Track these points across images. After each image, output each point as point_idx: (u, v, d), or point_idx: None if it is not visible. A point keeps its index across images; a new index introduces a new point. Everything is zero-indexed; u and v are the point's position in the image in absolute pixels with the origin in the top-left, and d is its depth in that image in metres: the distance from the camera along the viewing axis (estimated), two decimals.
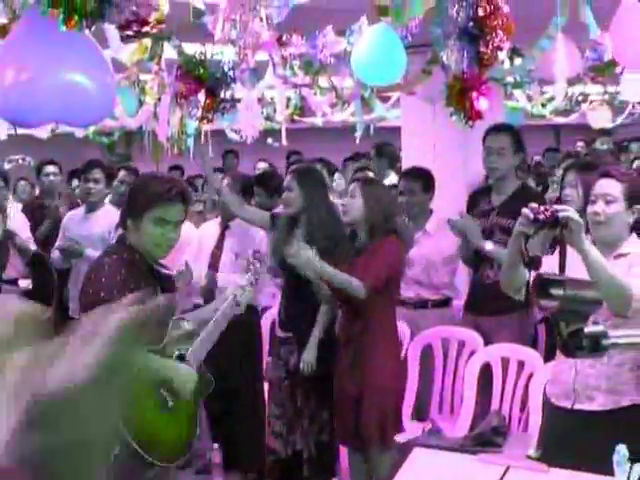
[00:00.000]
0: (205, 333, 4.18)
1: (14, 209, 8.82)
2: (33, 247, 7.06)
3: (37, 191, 8.97)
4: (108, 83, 3.74)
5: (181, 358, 4.05)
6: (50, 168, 8.84)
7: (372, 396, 5.16)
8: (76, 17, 3.27)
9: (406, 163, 7.96)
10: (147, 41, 4.89)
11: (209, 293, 6.25)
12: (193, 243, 6.71)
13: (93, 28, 3.47)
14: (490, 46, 5.21)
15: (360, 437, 5.21)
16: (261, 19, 4.08)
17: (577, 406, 3.86)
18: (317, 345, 5.53)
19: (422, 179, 6.34)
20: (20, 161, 9.23)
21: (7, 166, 9.11)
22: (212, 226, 6.80)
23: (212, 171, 7.32)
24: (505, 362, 5.38)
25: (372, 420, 5.17)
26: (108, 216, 6.66)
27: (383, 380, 5.19)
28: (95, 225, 6.84)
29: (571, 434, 3.86)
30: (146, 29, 3.66)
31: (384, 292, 5.20)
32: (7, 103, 3.67)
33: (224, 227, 6.61)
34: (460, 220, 5.76)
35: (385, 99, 9.27)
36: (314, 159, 8.73)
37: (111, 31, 4.89)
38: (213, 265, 6.52)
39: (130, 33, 3.73)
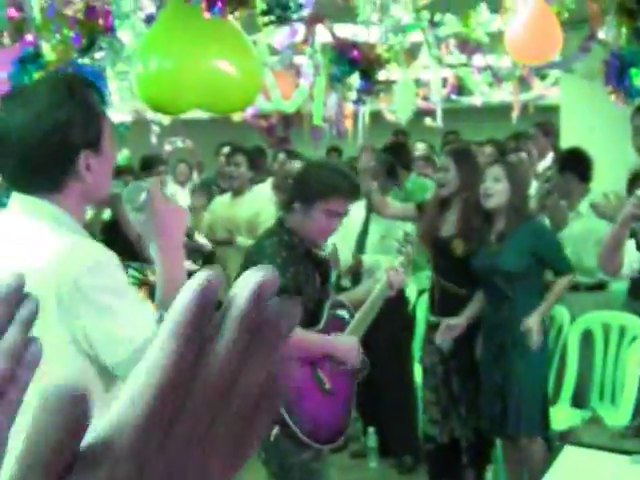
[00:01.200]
0: (361, 314, 4.20)
1: (175, 191, 9.07)
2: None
3: (195, 174, 9.12)
4: (253, 69, 3.76)
5: None
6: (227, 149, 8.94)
7: (519, 385, 5.06)
8: (219, 4, 3.31)
9: (565, 142, 7.80)
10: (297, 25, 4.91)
11: (355, 275, 6.27)
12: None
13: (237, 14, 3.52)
14: None
15: (508, 427, 5.13)
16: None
17: None
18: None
19: (578, 160, 6.20)
20: (180, 143, 9.39)
21: (168, 147, 9.27)
22: (358, 209, 6.80)
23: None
24: None
25: (522, 410, 5.07)
26: (254, 200, 6.74)
27: (532, 368, 5.10)
28: (241, 209, 6.90)
29: None
30: (287, 14, 3.68)
31: (533, 274, 5.12)
32: (152, 91, 3.73)
33: (369, 209, 6.61)
34: (601, 203, 5.61)
35: (544, 77, 9.11)
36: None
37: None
38: (359, 248, 6.54)
39: (272, 18, 3.76)
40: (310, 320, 3.99)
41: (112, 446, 0.54)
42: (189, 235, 6.73)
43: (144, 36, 4.13)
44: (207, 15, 3.46)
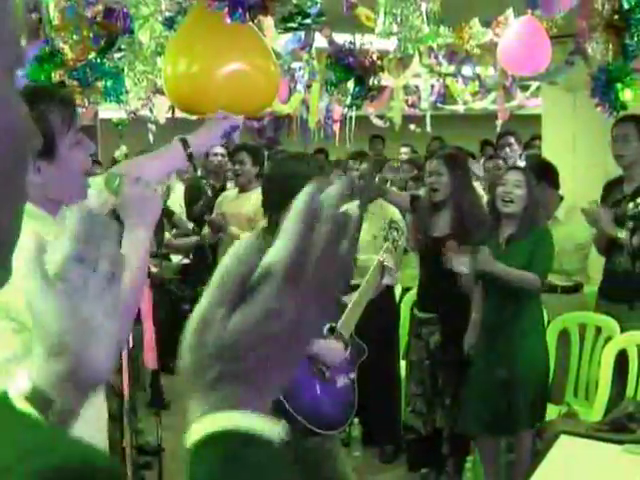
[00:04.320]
0: (353, 302, 4.33)
1: (176, 188, 9.25)
2: (190, 225, 7.38)
3: (199, 171, 9.29)
4: (272, 72, 3.95)
5: (332, 330, 4.23)
6: (218, 149, 9.07)
7: (525, 380, 5.19)
8: (240, 10, 3.50)
9: (546, 151, 8.05)
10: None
11: None
12: None
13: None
14: (635, 38, 5.26)
15: (510, 421, 5.23)
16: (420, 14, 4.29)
17: None
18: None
19: (549, 169, 6.43)
20: None
21: None
22: (352, 207, 6.98)
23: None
24: None
25: (524, 404, 5.19)
26: (258, 197, 6.93)
27: (535, 364, 5.27)
28: (244, 204, 6.98)
29: None
30: (307, 21, 3.87)
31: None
32: (179, 93, 3.93)
33: (363, 209, 6.81)
34: (592, 209, 5.81)
35: (525, 87, 9.37)
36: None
37: (267, 21, 5.14)
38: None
39: (293, 25, 3.94)
40: None
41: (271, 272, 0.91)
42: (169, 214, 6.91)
43: (170, 40, 4.30)
44: (228, 20, 3.67)
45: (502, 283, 5.16)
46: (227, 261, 0.93)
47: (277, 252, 0.91)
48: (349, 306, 4.33)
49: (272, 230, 4.20)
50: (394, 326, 6.81)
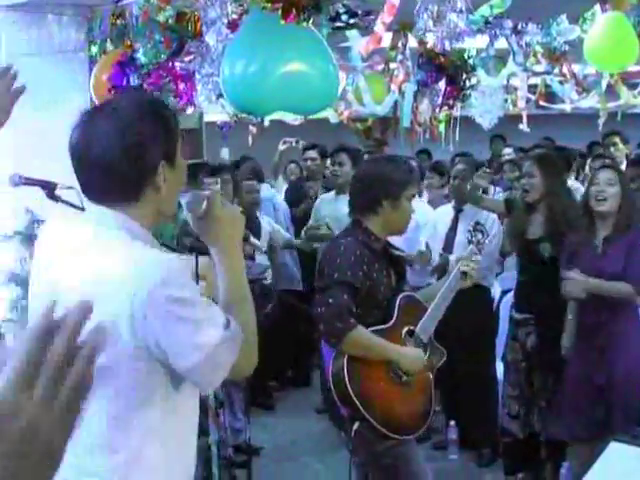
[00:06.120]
0: (433, 306, 4.33)
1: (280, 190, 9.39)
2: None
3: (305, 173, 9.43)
4: (330, 72, 3.98)
5: (410, 333, 4.25)
6: (311, 153, 9.24)
7: (623, 384, 5.07)
8: (294, 10, 3.55)
9: None
10: (382, 31, 5.13)
11: (443, 273, 6.41)
12: (429, 225, 6.96)
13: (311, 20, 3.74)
14: None
15: (605, 427, 5.06)
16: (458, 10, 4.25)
17: None
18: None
19: None
20: (294, 144, 9.59)
21: (282, 147, 9.51)
22: (447, 209, 6.99)
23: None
24: None
25: (620, 409, 5.07)
26: None
27: (633, 368, 5.10)
28: (344, 206, 7.02)
29: None
30: (354, 20, 3.89)
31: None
32: (238, 94, 3.99)
33: (458, 210, 6.80)
34: None
35: (634, 85, 9.15)
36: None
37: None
38: (447, 247, 6.71)
39: (340, 25, 3.97)
40: (383, 317, 4.17)
41: None
42: (245, 238, 6.94)
43: (229, 42, 4.38)
44: (283, 22, 3.72)
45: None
46: None
47: None
48: (428, 310, 4.34)
49: (357, 231, 4.26)
50: (491, 328, 6.78)
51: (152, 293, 2.14)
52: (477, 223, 6.26)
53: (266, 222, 7.87)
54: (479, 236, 4.82)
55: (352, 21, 3.92)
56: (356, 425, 4.02)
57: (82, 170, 2.31)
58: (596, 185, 5.18)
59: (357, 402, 3.95)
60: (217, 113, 8.31)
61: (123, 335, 2.15)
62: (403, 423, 4.13)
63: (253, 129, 9.08)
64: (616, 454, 3.52)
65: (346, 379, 3.96)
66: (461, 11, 4.19)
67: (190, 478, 2.47)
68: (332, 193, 7.60)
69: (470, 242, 4.82)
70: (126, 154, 2.24)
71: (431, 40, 5.11)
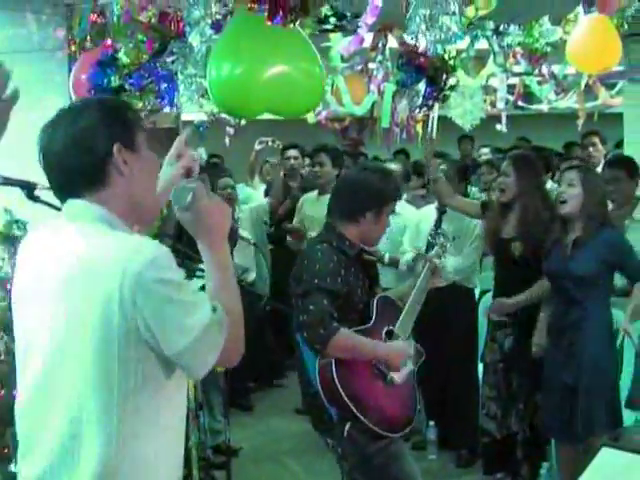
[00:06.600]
0: (407, 307, 4.36)
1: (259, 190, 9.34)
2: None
3: (282, 173, 9.40)
4: (316, 74, 3.95)
5: (389, 334, 4.25)
6: (292, 152, 9.20)
7: (590, 386, 5.04)
8: (280, 12, 3.52)
9: (628, 149, 7.90)
10: (364, 32, 5.09)
11: None
12: (412, 226, 6.95)
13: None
14: None
15: (581, 427, 5.05)
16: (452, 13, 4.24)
17: None
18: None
19: (627, 167, 6.32)
20: (270, 143, 9.56)
21: (257, 147, 9.48)
22: (430, 209, 6.99)
23: (431, 157, 7.52)
24: None
25: (593, 410, 5.03)
26: None
27: (600, 370, 5.07)
28: (326, 207, 7.03)
29: None
30: (342, 23, 3.87)
31: (602, 281, 5.11)
32: (224, 96, 3.96)
33: (441, 211, 6.80)
34: None
35: (611, 86, 9.18)
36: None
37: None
38: (431, 248, 6.68)
39: (328, 27, 3.95)
40: (362, 320, 4.16)
41: None
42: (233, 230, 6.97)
43: (215, 43, 4.34)
44: (269, 23, 3.69)
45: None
46: None
47: None
48: (404, 309, 4.36)
49: (332, 236, 4.26)
50: (472, 329, 6.77)
51: (140, 275, 2.16)
52: (438, 227, 6.30)
53: (247, 211, 7.89)
54: (441, 239, 4.89)
55: (340, 24, 3.89)
56: (347, 427, 4.00)
57: (49, 171, 2.37)
58: (560, 187, 5.20)
59: (349, 402, 3.92)
60: (194, 112, 8.26)
61: (114, 320, 2.16)
62: (393, 421, 4.11)
63: (230, 130, 9.03)
64: (607, 460, 3.51)
65: (336, 380, 3.94)
66: (454, 13, 4.18)
67: (180, 469, 2.49)
68: (315, 193, 7.58)
69: (434, 244, 4.88)
70: (75, 144, 2.30)
71: (423, 43, 5.09)
